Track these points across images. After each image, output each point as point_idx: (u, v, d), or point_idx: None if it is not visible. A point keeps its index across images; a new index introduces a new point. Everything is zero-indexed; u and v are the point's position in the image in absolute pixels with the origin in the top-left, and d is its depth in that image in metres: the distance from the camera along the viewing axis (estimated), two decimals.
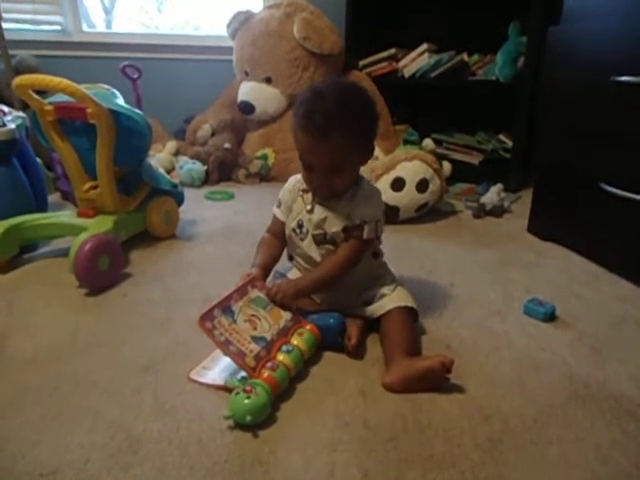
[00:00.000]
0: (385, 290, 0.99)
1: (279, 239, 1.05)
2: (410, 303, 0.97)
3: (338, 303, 1.02)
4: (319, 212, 0.97)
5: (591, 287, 1.26)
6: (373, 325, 0.99)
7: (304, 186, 0.99)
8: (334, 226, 0.96)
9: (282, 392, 0.81)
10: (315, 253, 0.99)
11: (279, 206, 1.04)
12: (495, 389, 0.85)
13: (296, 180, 1.02)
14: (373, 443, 0.72)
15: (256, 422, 0.73)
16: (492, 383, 0.87)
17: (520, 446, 0.73)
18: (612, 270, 1.34)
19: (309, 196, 0.99)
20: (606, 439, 0.74)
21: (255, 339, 0.86)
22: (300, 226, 0.99)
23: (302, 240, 1.00)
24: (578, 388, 0.86)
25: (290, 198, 1.02)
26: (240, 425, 0.74)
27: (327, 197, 0.97)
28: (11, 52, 2.02)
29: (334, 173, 0.91)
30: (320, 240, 0.98)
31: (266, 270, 1.03)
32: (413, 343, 0.93)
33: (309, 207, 0.98)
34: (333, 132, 0.86)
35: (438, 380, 0.83)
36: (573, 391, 0.85)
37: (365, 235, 0.94)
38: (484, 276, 1.32)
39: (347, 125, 0.87)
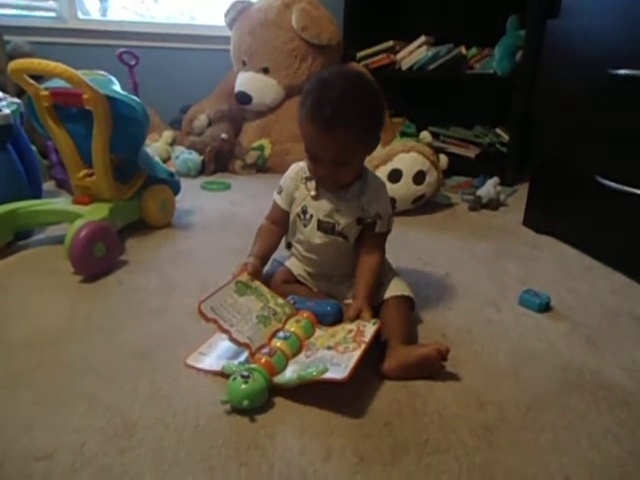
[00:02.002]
0: (383, 278, 1.00)
1: (278, 226, 1.05)
2: (407, 292, 0.98)
3: (336, 292, 1.02)
4: (329, 201, 0.97)
5: (585, 279, 1.27)
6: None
7: (307, 174, 0.99)
8: (346, 218, 0.97)
9: None
10: (317, 239, 0.99)
11: (280, 192, 1.03)
12: (490, 377, 0.86)
13: (298, 168, 1.02)
14: (369, 428, 0.73)
15: (253, 407, 0.74)
16: (487, 371, 0.87)
17: (514, 432, 0.74)
18: (607, 263, 1.35)
19: (312, 184, 0.99)
20: (599, 427, 0.75)
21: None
22: (304, 212, 0.99)
23: (305, 226, 1.00)
24: (572, 377, 0.87)
25: (292, 185, 1.01)
26: (237, 410, 0.74)
27: (331, 188, 0.97)
28: (5, 38, 1.99)
29: (340, 165, 0.91)
30: (327, 229, 0.98)
31: (263, 260, 1.02)
32: (409, 331, 0.93)
33: (314, 193, 0.98)
34: (341, 124, 0.86)
35: (434, 368, 0.84)
36: (567, 380, 0.86)
37: (377, 229, 0.97)
38: (480, 267, 1.32)
39: (355, 117, 0.87)
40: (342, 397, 0.79)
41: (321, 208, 0.98)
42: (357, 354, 0.77)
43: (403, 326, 0.91)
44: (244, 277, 0.95)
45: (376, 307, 0.96)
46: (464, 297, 1.15)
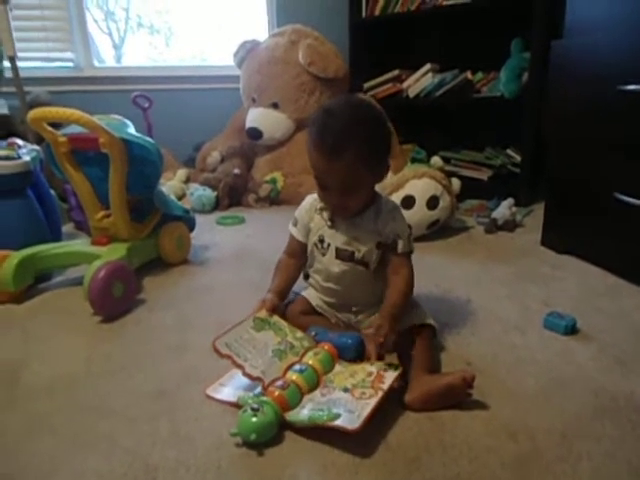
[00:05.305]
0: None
1: (295, 259, 1.05)
2: (428, 320, 0.96)
3: (356, 323, 1.01)
4: (346, 229, 0.97)
5: (611, 298, 1.23)
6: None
7: (321, 204, 1.00)
8: (366, 244, 0.96)
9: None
10: (336, 267, 0.98)
11: (295, 224, 1.04)
12: (519, 405, 0.83)
13: (313, 199, 1.03)
14: (396, 464, 0.70)
15: (261, 441, 0.73)
16: (516, 399, 0.84)
17: (549, 463, 0.70)
18: (632, 281, 1.31)
19: (327, 213, 0.99)
20: (638, 453, 0.71)
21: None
22: (321, 241, 0.99)
23: (323, 255, 1.00)
24: (605, 401, 0.83)
25: (307, 217, 1.02)
26: (248, 444, 0.73)
27: (345, 216, 0.97)
28: (26, 89, 2.08)
29: (348, 192, 0.91)
30: (345, 257, 0.97)
31: (281, 295, 1.02)
32: (433, 360, 0.91)
33: (329, 223, 0.98)
34: (345, 151, 0.86)
35: (460, 396, 0.81)
36: (600, 404, 0.82)
37: (400, 249, 0.95)
38: (501, 291, 1.30)
39: (359, 143, 0.87)
40: (366, 432, 0.76)
41: (338, 236, 0.97)
42: (372, 403, 0.75)
43: (426, 355, 0.89)
44: (262, 313, 0.95)
45: (397, 337, 0.94)
46: (487, 322, 1.12)
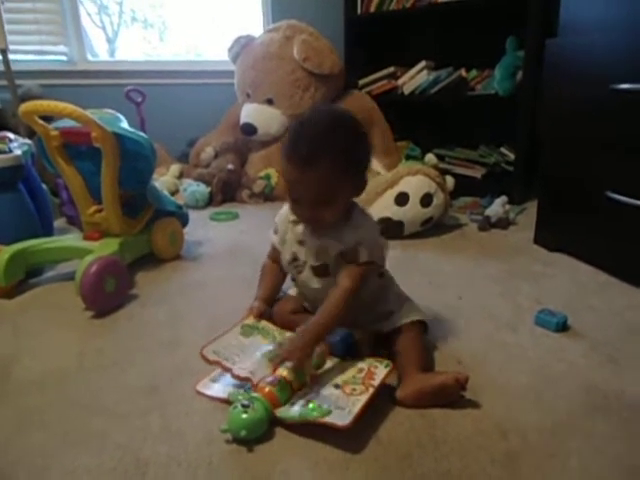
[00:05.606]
0: (393, 306, 0.97)
1: (279, 264, 1.03)
2: (419, 316, 0.95)
3: (346, 322, 1.00)
4: (315, 243, 0.93)
5: (602, 296, 1.24)
6: (383, 342, 0.97)
7: (294, 217, 0.94)
8: (331, 256, 0.92)
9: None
10: (316, 284, 0.95)
11: (276, 232, 1.01)
12: (510, 402, 0.83)
13: (287, 209, 0.97)
14: (387, 460, 0.70)
15: (251, 437, 0.73)
16: (507, 396, 0.85)
17: (539, 460, 0.71)
18: (623, 279, 1.32)
19: (299, 227, 0.95)
20: (628, 450, 0.72)
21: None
22: (295, 259, 0.96)
23: (300, 272, 0.96)
24: (596, 399, 0.84)
25: (283, 228, 0.99)
26: (238, 440, 0.73)
27: (316, 229, 0.92)
28: (18, 82, 2.06)
29: (320, 205, 0.85)
30: (321, 272, 0.94)
31: (268, 301, 1.02)
32: (425, 357, 0.91)
33: (300, 238, 0.94)
34: (320, 160, 0.81)
35: (452, 396, 0.81)
36: (591, 402, 0.83)
37: (361, 258, 0.88)
38: (493, 288, 1.30)
39: (335, 153, 0.83)
40: (357, 428, 0.76)
41: (310, 253, 0.94)
42: (363, 400, 0.75)
43: (418, 352, 0.89)
44: (250, 320, 0.95)
45: (389, 334, 0.94)
46: (478, 320, 1.13)
